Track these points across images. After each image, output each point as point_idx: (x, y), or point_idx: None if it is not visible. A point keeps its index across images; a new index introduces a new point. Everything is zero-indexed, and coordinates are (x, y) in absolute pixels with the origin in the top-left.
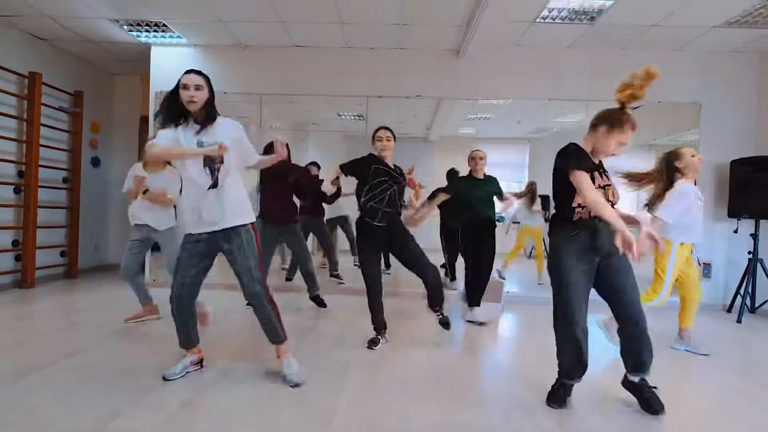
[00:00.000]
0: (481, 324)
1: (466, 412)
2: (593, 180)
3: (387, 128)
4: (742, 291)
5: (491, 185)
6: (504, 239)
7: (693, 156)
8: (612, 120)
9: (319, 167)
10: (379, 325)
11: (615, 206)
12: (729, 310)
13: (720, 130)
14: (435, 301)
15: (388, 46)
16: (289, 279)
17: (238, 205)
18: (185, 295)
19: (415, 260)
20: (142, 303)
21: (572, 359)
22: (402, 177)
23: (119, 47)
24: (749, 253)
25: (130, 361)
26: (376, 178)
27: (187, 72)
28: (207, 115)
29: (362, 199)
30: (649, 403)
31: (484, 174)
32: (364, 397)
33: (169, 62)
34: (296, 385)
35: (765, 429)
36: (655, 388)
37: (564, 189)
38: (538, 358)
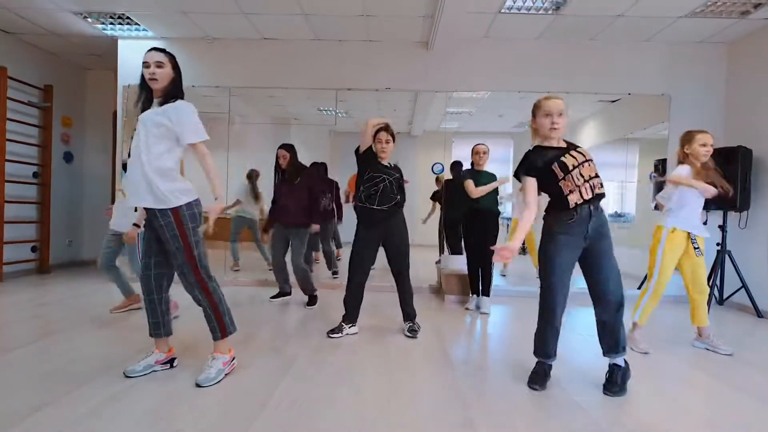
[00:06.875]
0: (484, 314)
1: (397, 405)
2: (565, 163)
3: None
4: (710, 283)
5: (493, 179)
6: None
7: (703, 145)
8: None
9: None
10: (351, 318)
11: (595, 180)
12: None
13: (690, 122)
14: (407, 314)
15: (356, 38)
16: (335, 274)
17: (158, 184)
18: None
19: (395, 258)
20: (126, 294)
21: (548, 338)
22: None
23: (87, 41)
24: (717, 245)
25: (80, 352)
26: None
27: (149, 50)
28: (167, 94)
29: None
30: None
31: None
32: (301, 387)
33: (137, 56)
34: (198, 385)
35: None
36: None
37: (551, 186)
38: (496, 348)
